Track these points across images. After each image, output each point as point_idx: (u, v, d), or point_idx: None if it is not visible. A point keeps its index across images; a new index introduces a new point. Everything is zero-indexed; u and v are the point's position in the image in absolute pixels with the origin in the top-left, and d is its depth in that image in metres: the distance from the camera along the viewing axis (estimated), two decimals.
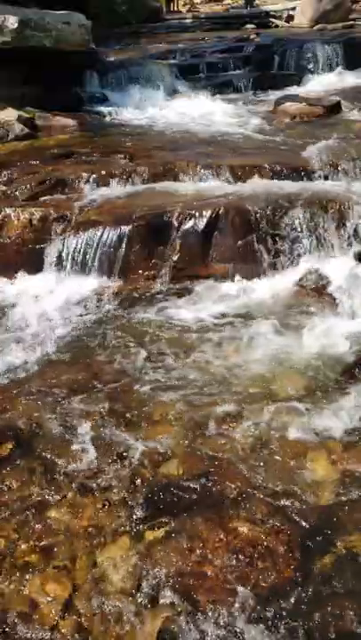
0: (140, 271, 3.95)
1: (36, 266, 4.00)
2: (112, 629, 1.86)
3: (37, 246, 4.03)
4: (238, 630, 1.84)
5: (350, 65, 8.51)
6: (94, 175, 4.56)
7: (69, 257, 3.94)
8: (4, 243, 4.08)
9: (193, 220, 3.97)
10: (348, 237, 3.89)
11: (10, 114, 5.80)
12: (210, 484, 2.36)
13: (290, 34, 10.31)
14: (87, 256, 3.93)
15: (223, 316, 3.56)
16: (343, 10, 11.70)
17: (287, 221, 3.91)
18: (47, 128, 5.95)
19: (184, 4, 18.40)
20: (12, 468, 2.49)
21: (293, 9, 12.70)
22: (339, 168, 4.57)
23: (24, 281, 3.96)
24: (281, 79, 8.08)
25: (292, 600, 1.92)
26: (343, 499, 2.27)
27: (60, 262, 3.96)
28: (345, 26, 10.76)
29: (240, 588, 1.96)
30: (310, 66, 8.48)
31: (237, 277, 3.87)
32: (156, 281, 3.91)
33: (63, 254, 3.96)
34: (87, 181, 4.53)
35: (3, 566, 2.07)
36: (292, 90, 7.58)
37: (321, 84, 7.99)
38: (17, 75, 6.24)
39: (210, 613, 1.89)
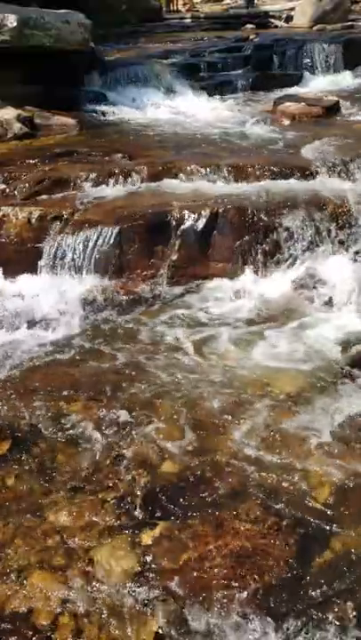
0: (139, 270, 3.95)
1: (34, 265, 3.99)
2: (110, 629, 1.86)
3: (35, 245, 4.02)
4: (236, 630, 1.84)
5: (349, 65, 8.51)
6: (93, 174, 4.56)
7: (68, 256, 3.94)
8: (3, 242, 4.07)
9: (192, 220, 3.97)
10: (347, 237, 3.89)
11: (9, 112, 5.79)
12: (208, 484, 2.36)
13: (289, 34, 10.29)
14: (85, 255, 3.93)
15: (221, 315, 3.56)
16: (342, 10, 11.70)
17: (286, 221, 3.91)
18: (46, 127, 5.94)
19: (184, 4, 18.34)
20: (9, 467, 2.49)
21: (293, 9, 12.69)
22: (337, 168, 4.57)
23: (22, 280, 3.95)
24: (280, 79, 8.07)
25: (291, 599, 1.92)
26: (341, 498, 2.27)
27: (58, 261, 3.95)
28: (344, 26, 10.74)
29: (238, 588, 1.96)
30: (309, 66, 8.48)
31: (236, 277, 3.87)
32: (154, 280, 3.91)
33: (61, 253, 3.95)
34: (86, 180, 4.52)
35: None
36: (292, 90, 7.58)
37: (320, 84, 8.00)
38: (16, 74, 6.22)
39: (208, 613, 1.89)
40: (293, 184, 4.38)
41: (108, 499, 2.31)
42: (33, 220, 4.08)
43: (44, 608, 1.93)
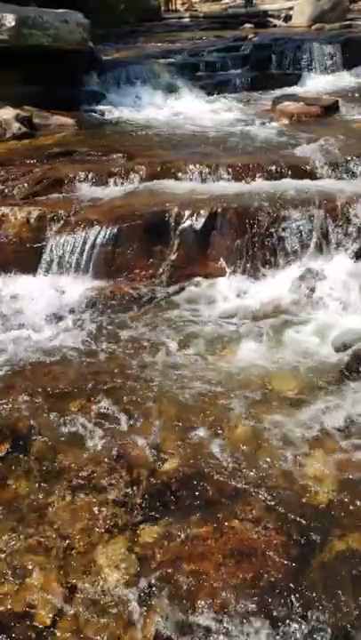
0: (138, 270, 3.95)
1: (32, 265, 3.99)
2: (109, 629, 1.87)
3: (34, 245, 4.03)
4: (235, 629, 1.85)
5: (348, 65, 8.52)
6: (92, 174, 4.56)
7: (67, 256, 3.94)
8: (1, 242, 4.07)
9: (191, 220, 3.97)
10: (346, 237, 3.89)
11: (8, 112, 5.79)
12: (207, 484, 2.36)
13: (288, 33, 10.29)
14: (84, 255, 3.92)
15: (220, 315, 3.56)
16: (341, 10, 11.71)
17: (285, 221, 3.91)
18: (45, 127, 5.95)
19: (182, 3, 18.33)
20: (9, 467, 2.49)
21: (291, 8, 12.70)
22: (337, 167, 4.57)
23: (21, 280, 3.95)
24: (279, 79, 8.08)
25: (289, 598, 1.93)
26: (339, 497, 2.28)
27: (57, 261, 3.95)
28: (343, 26, 10.75)
29: (237, 588, 1.96)
30: (308, 65, 8.48)
31: (235, 277, 3.87)
32: (153, 280, 3.91)
33: (60, 253, 3.95)
34: (85, 180, 4.52)
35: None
36: (290, 89, 7.59)
37: (319, 83, 8.00)
38: (16, 73, 6.22)
39: (207, 613, 1.89)
40: (292, 183, 4.37)
41: (108, 498, 2.31)
42: (32, 220, 4.08)
43: (44, 608, 1.93)
